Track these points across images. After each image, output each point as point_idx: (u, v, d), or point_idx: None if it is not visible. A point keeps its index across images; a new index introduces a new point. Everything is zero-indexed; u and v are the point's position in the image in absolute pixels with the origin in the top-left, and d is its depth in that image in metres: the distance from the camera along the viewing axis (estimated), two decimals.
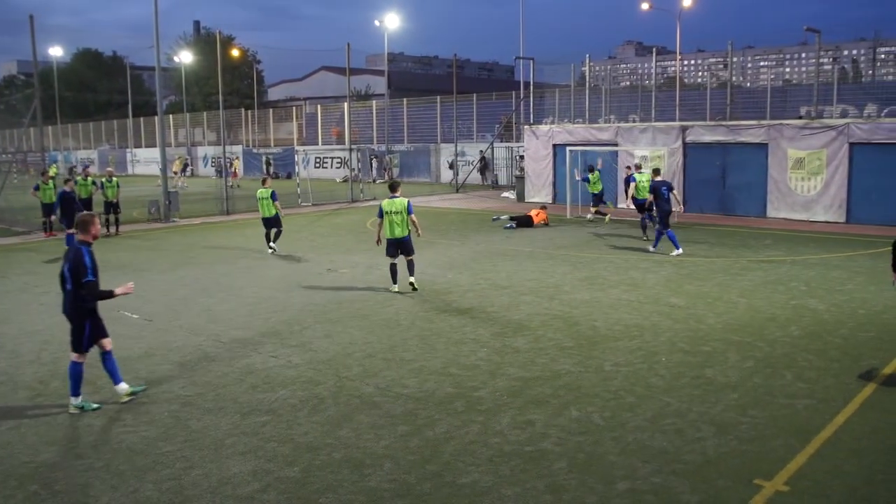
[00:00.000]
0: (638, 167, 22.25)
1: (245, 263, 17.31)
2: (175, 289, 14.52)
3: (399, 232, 13.62)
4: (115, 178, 23.35)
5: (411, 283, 13.86)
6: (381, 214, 13.71)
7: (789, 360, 9.38)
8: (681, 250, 17.46)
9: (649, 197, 18.03)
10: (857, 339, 10.36)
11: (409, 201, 13.80)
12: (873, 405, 7.83)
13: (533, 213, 23.92)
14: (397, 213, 13.57)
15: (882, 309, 12.01)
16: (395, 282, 13.83)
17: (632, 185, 21.30)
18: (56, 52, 67.26)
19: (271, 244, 18.70)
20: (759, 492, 6.00)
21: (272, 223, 18.53)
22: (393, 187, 13.94)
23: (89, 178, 23.56)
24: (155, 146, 56.91)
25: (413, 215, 13.73)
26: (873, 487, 6.06)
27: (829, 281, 14.31)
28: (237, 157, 52.60)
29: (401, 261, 13.88)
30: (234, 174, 48.50)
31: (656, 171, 18.55)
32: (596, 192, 24.62)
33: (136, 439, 7.23)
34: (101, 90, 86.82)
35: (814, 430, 7.17)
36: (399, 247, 13.77)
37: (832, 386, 8.44)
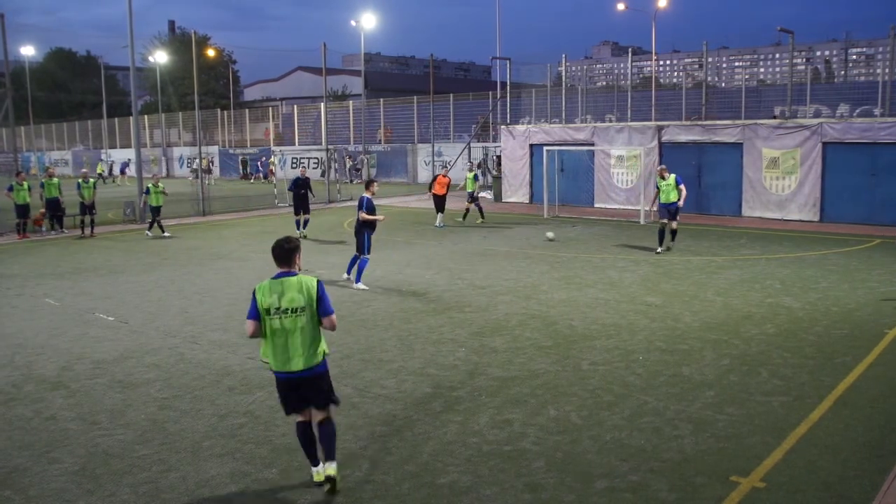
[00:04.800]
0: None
1: (221, 265, 17.20)
2: (150, 290, 14.40)
3: (300, 360, 5.96)
4: (91, 180, 23.33)
5: (329, 478, 6.02)
6: (255, 315, 5.96)
7: (765, 358, 9.47)
8: (350, 276, 14.45)
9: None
10: (831, 336, 10.47)
11: (319, 282, 6.08)
12: (847, 402, 7.92)
13: (437, 186, 24.39)
14: (290, 313, 5.92)
15: (855, 307, 12.16)
16: (314, 463, 6.22)
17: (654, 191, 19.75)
18: (28, 51, 66.41)
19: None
20: (735, 488, 6.05)
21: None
22: (279, 252, 6.13)
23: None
24: (130, 147, 56.46)
25: (333, 316, 6.03)
26: (847, 483, 6.13)
27: (804, 279, 14.46)
28: (272, 158, 51.99)
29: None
30: (272, 172, 48.14)
31: (368, 184, 14.80)
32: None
33: (112, 442, 7.16)
34: (75, 90, 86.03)
35: (789, 427, 7.24)
36: (307, 389, 6.10)
37: (807, 383, 8.53)
